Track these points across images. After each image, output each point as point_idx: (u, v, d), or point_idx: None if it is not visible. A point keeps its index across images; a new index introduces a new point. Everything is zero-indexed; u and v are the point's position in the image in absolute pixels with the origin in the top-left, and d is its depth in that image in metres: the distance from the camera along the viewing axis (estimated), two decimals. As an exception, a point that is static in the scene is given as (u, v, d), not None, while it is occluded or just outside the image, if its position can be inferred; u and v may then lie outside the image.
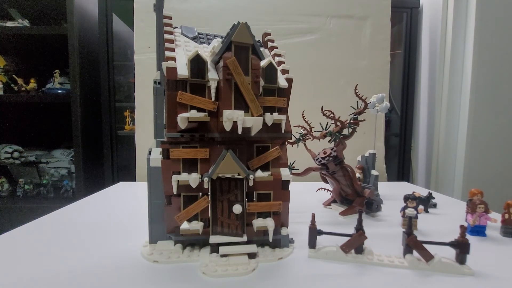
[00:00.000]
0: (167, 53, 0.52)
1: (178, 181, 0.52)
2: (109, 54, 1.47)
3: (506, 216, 0.69)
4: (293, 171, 0.82)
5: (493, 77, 1.35)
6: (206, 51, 0.59)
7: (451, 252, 0.52)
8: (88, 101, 1.50)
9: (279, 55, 0.64)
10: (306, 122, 0.88)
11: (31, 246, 0.60)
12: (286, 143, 0.60)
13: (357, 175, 0.95)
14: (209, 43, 0.65)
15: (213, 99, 0.52)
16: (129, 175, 1.45)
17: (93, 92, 1.52)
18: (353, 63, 1.46)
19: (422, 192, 0.90)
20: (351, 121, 0.79)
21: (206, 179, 0.51)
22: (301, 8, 1.43)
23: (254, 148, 0.57)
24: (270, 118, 0.54)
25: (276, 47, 0.66)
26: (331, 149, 0.83)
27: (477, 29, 1.32)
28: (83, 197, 1.00)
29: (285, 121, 0.56)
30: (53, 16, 1.55)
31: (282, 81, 0.57)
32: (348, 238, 0.56)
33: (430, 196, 0.88)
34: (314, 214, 0.57)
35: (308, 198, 1.02)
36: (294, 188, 0.63)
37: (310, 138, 0.87)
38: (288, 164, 0.65)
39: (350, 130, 0.80)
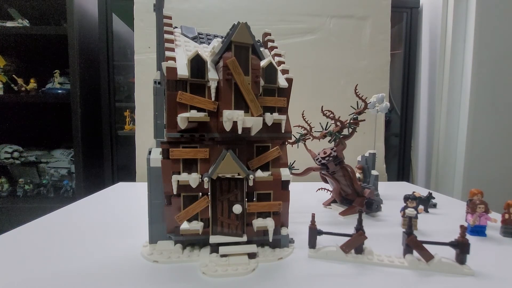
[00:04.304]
0: (167, 53, 0.52)
1: (178, 181, 0.52)
2: (109, 54, 1.47)
3: (506, 216, 0.69)
4: (293, 171, 0.82)
5: (493, 77, 1.35)
6: (206, 51, 0.59)
7: (451, 252, 0.52)
8: (88, 101, 1.50)
9: (279, 55, 0.64)
10: (306, 122, 0.87)
11: (31, 246, 0.60)
12: (286, 143, 0.60)
13: (357, 175, 0.95)
14: (209, 43, 0.65)
15: (213, 99, 0.52)
16: (129, 175, 1.45)
17: (93, 92, 1.52)
18: (353, 63, 1.46)
19: (422, 192, 0.90)
20: (351, 121, 0.79)
21: (206, 179, 0.51)
22: (301, 8, 1.43)
23: (254, 148, 0.57)
24: (270, 118, 0.54)
25: (276, 47, 0.66)
26: (331, 149, 0.83)
27: (477, 29, 1.32)
28: (83, 197, 1.00)
29: (285, 121, 0.56)
30: (53, 16, 1.55)
31: (282, 81, 0.57)
32: (348, 238, 0.56)
33: (430, 196, 0.88)
34: (314, 214, 0.57)
35: (308, 198, 1.02)
36: (294, 188, 0.63)
37: (310, 138, 0.87)
38: (288, 164, 0.65)
39: (350, 130, 0.80)
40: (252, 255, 0.54)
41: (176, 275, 0.49)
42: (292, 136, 0.68)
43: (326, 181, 0.91)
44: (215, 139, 0.53)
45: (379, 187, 0.99)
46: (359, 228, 0.55)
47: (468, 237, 0.53)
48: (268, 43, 0.68)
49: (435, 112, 1.51)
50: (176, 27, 0.65)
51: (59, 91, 1.52)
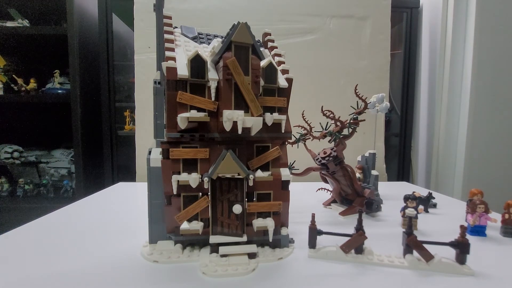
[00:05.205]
0: (167, 53, 0.52)
1: (178, 181, 0.52)
2: (109, 54, 1.47)
3: (506, 216, 0.69)
4: (293, 171, 0.82)
5: (493, 77, 1.35)
6: (206, 51, 0.59)
7: (451, 252, 0.52)
8: (88, 101, 1.50)
9: (279, 55, 0.64)
10: (306, 122, 0.88)
11: (31, 246, 0.60)
12: (286, 143, 0.60)
13: (357, 175, 0.95)
14: (209, 43, 0.65)
15: (213, 99, 0.52)
16: (129, 175, 1.45)
17: (93, 92, 1.52)
18: (353, 63, 1.46)
19: (422, 192, 0.90)
20: (351, 121, 0.79)
21: (206, 179, 0.51)
22: (301, 8, 1.43)
23: (254, 148, 0.57)
24: (270, 118, 0.54)
25: (276, 47, 0.66)
26: (331, 149, 0.83)
27: (477, 29, 1.32)
28: (83, 197, 1.00)
29: (285, 121, 0.56)
30: (53, 16, 1.55)
31: (282, 81, 0.57)
32: (348, 238, 0.56)
33: (430, 196, 0.88)
34: (314, 214, 0.57)
35: (308, 198, 1.02)
36: (294, 188, 0.63)
37: (310, 138, 0.87)
38: (288, 164, 0.65)
39: (350, 130, 0.80)
40: (252, 255, 0.54)
41: (176, 275, 0.49)
42: (292, 136, 0.68)
43: (326, 181, 0.91)
44: (215, 139, 0.53)
45: (379, 187, 0.99)
46: (359, 228, 0.55)
47: (468, 237, 0.53)
48: (268, 43, 0.68)
49: (435, 112, 1.51)
50: (176, 27, 0.65)
51: (59, 91, 1.52)
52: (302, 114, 0.87)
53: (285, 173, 0.58)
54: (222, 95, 0.51)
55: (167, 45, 0.55)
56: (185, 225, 0.53)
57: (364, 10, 1.45)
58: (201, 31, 0.68)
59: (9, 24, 1.43)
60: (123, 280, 0.48)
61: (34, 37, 1.47)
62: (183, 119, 0.49)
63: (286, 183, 0.58)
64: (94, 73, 1.51)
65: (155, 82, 0.60)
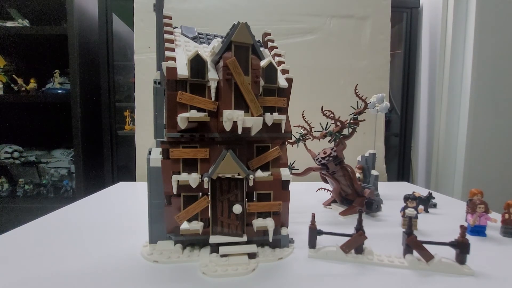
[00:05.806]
0: (167, 53, 0.52)
1: (178, 181, 0.52)
2: (109, 54, 1.47)
3: (506, 216, 0.69)
4: (293, 171, 0.82)
5: (493, 77, 1.35)
6: (206, 51, 0.59)
7: (451, 252, 0.52)
8: (88, 101, 1.50)
9: (279, 55, 0.64)
10: (306, 122, 0.88)
11: (31, 246, 0.60)
12: (286, 143, 0.60)
13: (357, 175, 0.95)
14: (209, 43, 0.65)
15: (213, 99, 0.52)
16: (129, 175, 1.45)
17: (93, 92, 1.52)
18: (353, 63, 1.46)
19: (422, 192, 0.90)
20: (351, 121, 0.79)
21: (206, 179, 0.51)
22: (301, 8, 1.43)
23: (254, 148, 0.57)
24: (270, 118, 0.54)
25: (276, 47, 0.66)
26: (331, 149, 0.83)
27: (477, 29, 1.32)
28: (83, 197, 1.00)
29: (285, 121, 0.56)
30: (53, 16, 1.55)
31: (282, 81, 0.57)
32: (348, 238, 0.56)
33: (430, 196, 0.88)
34: (314, 214, 0.57)
35: (308, 198, 1.02)
36: (294, 188, 0.63)
37: (310, 138, 0.87)
38: (288, 164, 0.65)
39: (350, 130, 0.80)
40: (252, 255, 0.54)
41: (176, 275, 0.49)
42: (292, 136, 0.68)
43: (326, 181, 0.91)
44: (215, 139, 0.53)
45: (379, 187, 0.99)
46: (359, 228, 0.55)
47: (468, 237, 0.53)
48: (268, 43, 0.68)
49: (435, 112, 1.51)
50: (176, 27, 0.65)
51: (59, 91, 1.52)
52: (302, 114, 0.87)
53: (285, 173, 0.58)
54: (222, 95, 0.51)
55: (167, 45, 0.55)
56: (185, 225, 0.53)
57: (364, 10, 1.45)
58: (201, 31, 0.68)
59: (9, 24, 1.43)
60: (123, 280, 0.48)
61: (34, 37, 1.47)
62: (183, 119, 0.49)
63: (286, 183, 0.58)
64: (94, 73, 1.51)
65: (155, 82, 0.60)
